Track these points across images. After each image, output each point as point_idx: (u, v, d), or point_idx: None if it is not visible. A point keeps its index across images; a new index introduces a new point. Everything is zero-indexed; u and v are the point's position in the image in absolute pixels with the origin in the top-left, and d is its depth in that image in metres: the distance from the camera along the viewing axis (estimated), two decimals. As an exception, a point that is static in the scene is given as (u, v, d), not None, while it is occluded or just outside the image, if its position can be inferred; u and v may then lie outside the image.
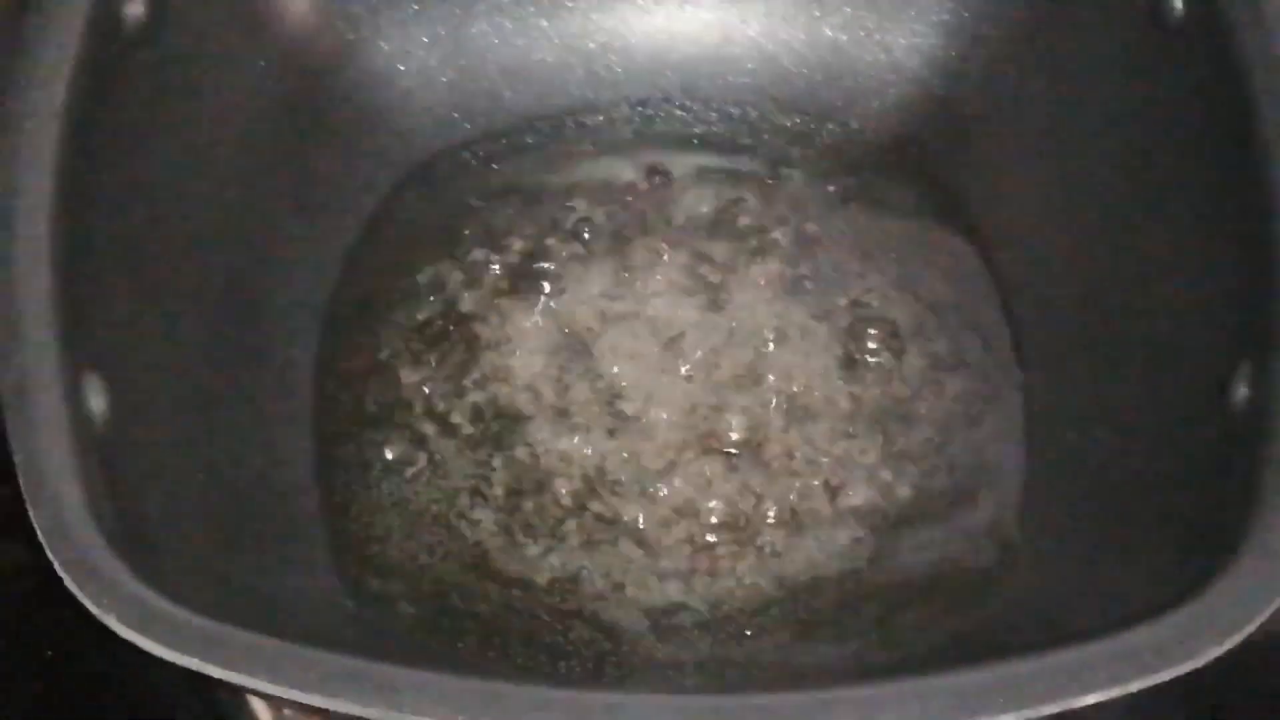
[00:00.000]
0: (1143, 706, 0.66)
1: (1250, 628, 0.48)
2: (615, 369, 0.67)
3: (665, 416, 0.66)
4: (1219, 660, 0.48)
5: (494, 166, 0.73)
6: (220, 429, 0.62)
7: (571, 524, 0.64)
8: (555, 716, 0.46)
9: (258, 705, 0.65)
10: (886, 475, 0.65)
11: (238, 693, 0.67)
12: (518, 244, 0.71)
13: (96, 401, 0.54)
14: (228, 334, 0.64)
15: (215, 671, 0.47)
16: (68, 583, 0.48)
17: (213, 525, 0.59)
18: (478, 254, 0.70)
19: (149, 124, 0.61)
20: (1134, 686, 0.47)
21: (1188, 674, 0.48)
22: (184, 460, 0.59)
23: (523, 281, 0.70)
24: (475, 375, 0.67)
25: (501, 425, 0.66)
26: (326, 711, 0.48)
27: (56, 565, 0.49)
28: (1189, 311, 0.59)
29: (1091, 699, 0.47)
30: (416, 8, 0.73)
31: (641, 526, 0.64)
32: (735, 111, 0.74)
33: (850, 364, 0.68)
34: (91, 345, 0.54)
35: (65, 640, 0.67)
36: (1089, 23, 0.67)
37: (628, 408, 0.66)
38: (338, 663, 0.47)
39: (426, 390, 0.67)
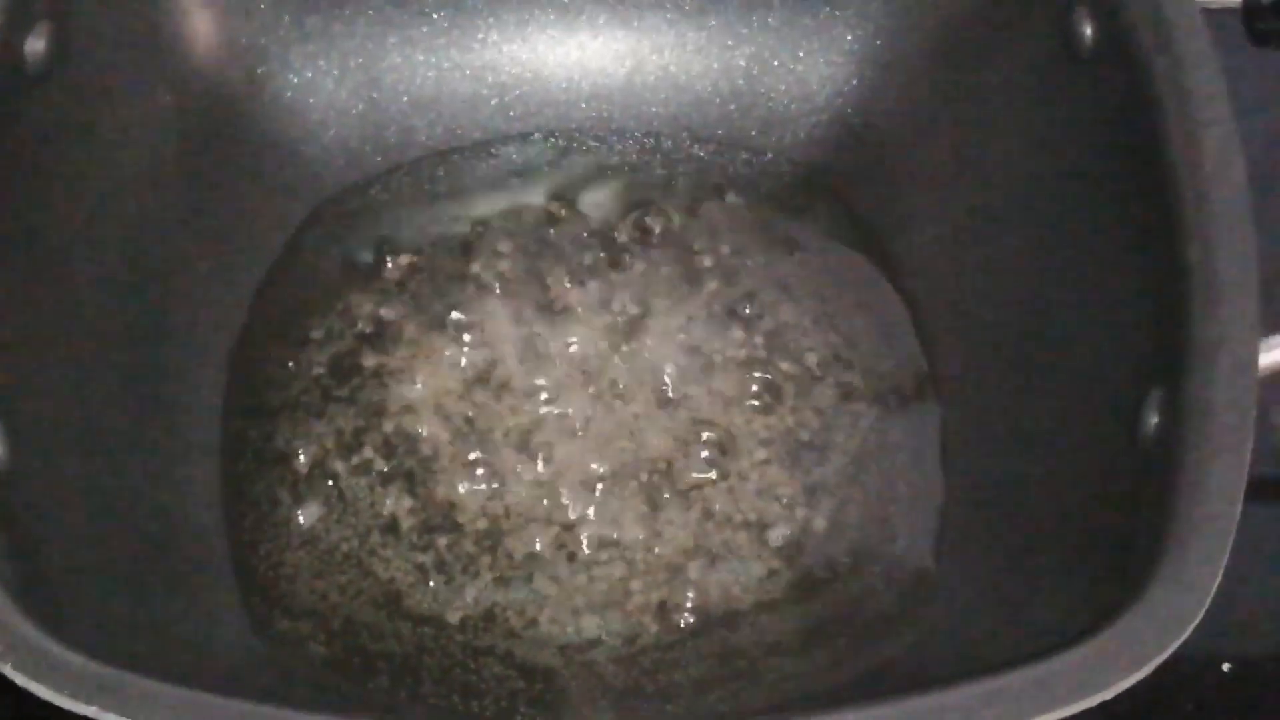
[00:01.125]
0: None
1: (1161, 657, 0.48)
2: (528, 403, 0.67)
3: (580, 450, 0.66)
4: (1140, 688, 0.48)
5: (406, 199, 0.72)
6: (125, 470, 0.61)
7: (485, 560, 0.63)
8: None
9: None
10: (802, 507, 0.65)
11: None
12: (430, 279, 0.70)
13: (-5, 445, 0.53)
14: (133, 374, 0.63)
15: (114, 720, 0.46)
16: (-39, 630, 0.47)
17: (118, 568, 0.58)
18: (389, 288, 0.70)
19: (52, 161, 0.60)
20: (1050, 717, 0.47)
21: (1111, 700, 0.48)
22: (87, 503, 0.58)
23: (435, 317, 0.69)
24: (386, 412, 0.66)
25: (413, 462, 0.65)
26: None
27: (-50, 612, 0.48)
28: (1100, 339, 0.59)
29: (1003, 731, 0.47)
30: (326, 41, 0.72)
31: (555, 562, 0.63)
32: (649, 142, 0.74)
33: (765, 395, 0.67)
34: (-11, 387, 0.54)
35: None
36: (1000, 52, 0.67)
37: (542, 442, 0.66)
38: (242, 709, 0.46)
39: (337, 427, 0.66)
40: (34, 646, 0.47)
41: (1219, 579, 0.49)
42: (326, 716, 0.47)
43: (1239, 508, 0.50)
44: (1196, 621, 0.48)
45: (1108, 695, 0.47)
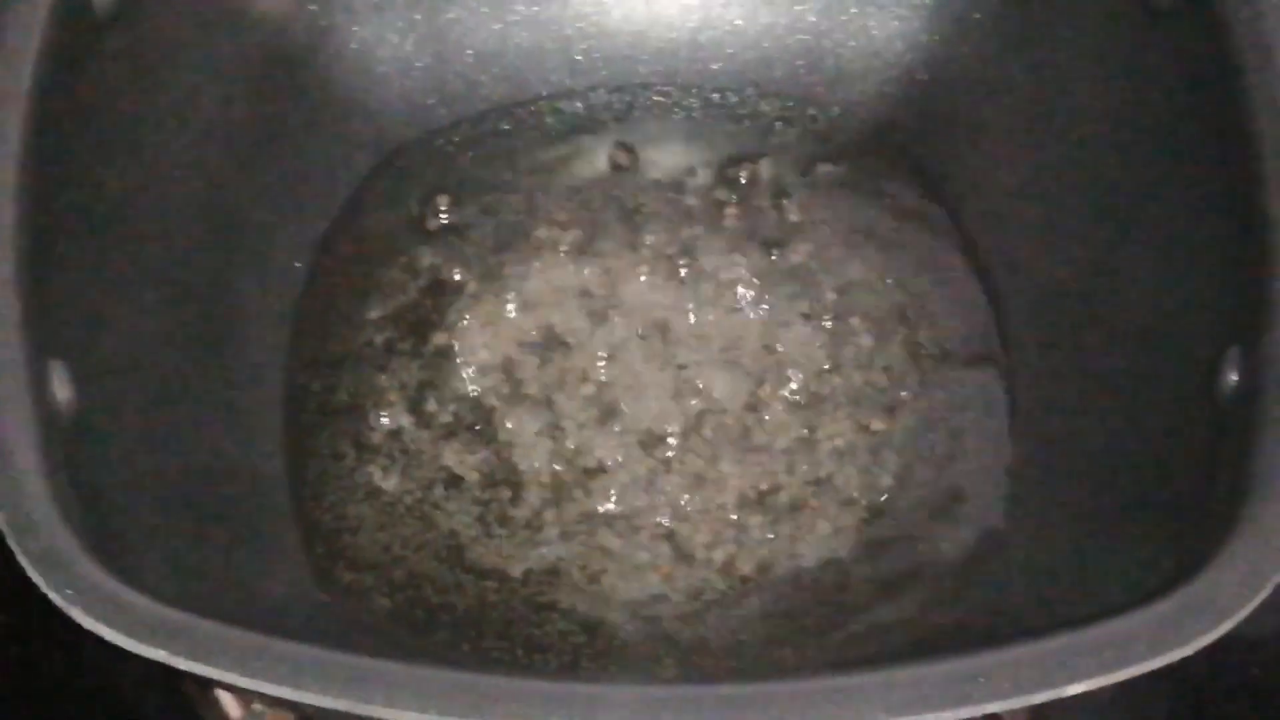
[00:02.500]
0: (1127, 697, 0.66)
1: (1243, 613, 0.47)
2: (592, 358, 0.66)
3: (647, 406, 0.66)
4: (1202, 654, 0.48)
5: (470, 154, 0.72)
6: (190, 419, 0.61)
7: (549, 515, 0.63)
8: (529, 709, 0.45)
9: (225, 699, 0.64)
10: (870, 465, 0.64)
11: (205, 686, 0.66)
12: (493, 233, 0.70)
13: (62, 390, 0.52)
14: (197, 323, 0.63)
15: (182, 664, 0.46)
16: (31, 574, 0.47)
17: (182, 516, 0.58)
18: (453, 241, 0.69)
19: (118, 110, 0.60)
20: (1124, 674, 0.46)
21: (1171, 666, 0.47)
22: (152, 450, 0.58)
23: (499, 270, 0.69)
24: (449, 365, 0.66)
25: (476, 415, 0.65)
26: (298, 704, 0.47)
27: (19, 556, 0.47)
28: (1176, 297, 0.59)
29: (1079, 688, 0.46)
30: (391, -10, 0.72)
31: (621, 517, 0.63)
32: (715, 97, 0.73)
33: (833, 352, 0.67)
34: (57, 334, 0.53)
35: (27, 634, 0.66)
36: (1074, 5, 0.66)
37: (606, 398, 0.66)
38: (308, 654, 0.46)
39: (400, 380, 0.66)
40: (102, 590, 0.47)
41: (1299, 536, 0.48)
42: (391, 663, 0.46)
43: (1320, 465, 0.50)
44: (1276, 580, 0.48)
45: (1187, 652, 0.47)
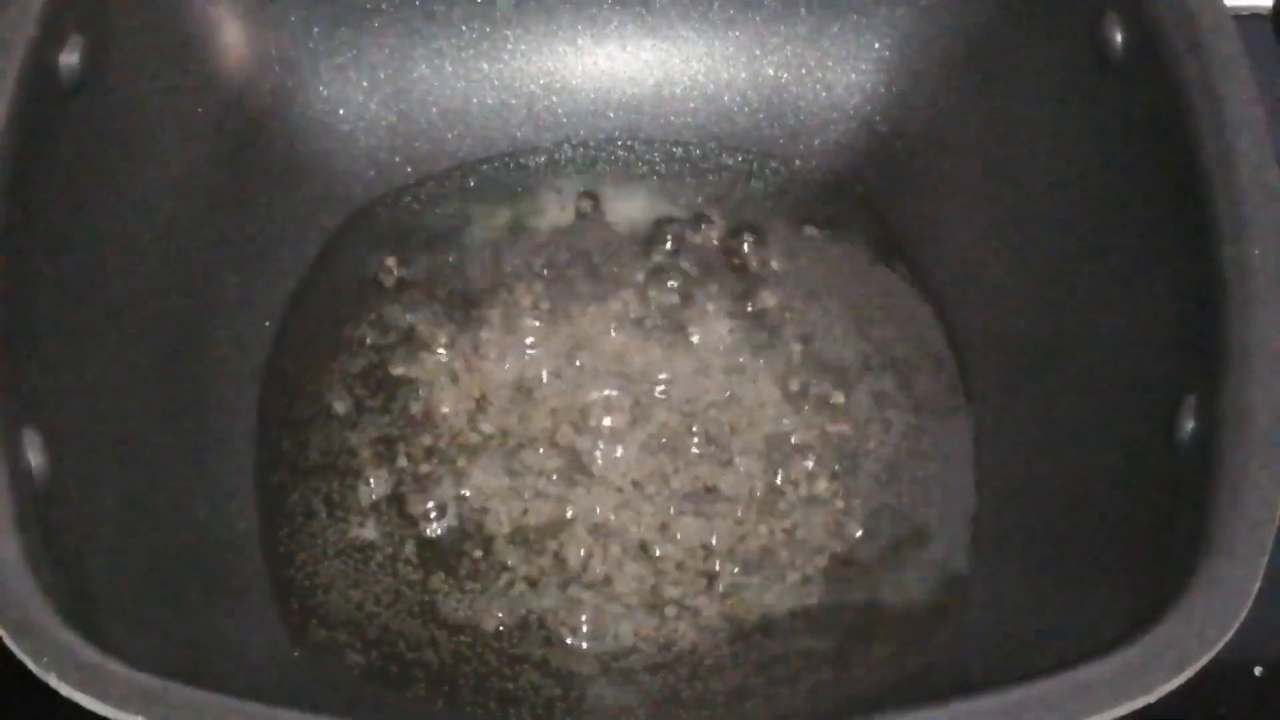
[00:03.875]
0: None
1: (1203, 660, 0.48)
2: (561, 412, 0.67)
3: (612, 459, 0.66)
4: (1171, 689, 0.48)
5: (436, 210, 0.73)
6: (162, 481, 0.61)
7: (520, 569, 0.63)
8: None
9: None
10: (836, 513, 0.65)
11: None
12: (461, 288, 0.70)
13: (35, 457, 0.53)
14: (168, 385, 0.63)
15: (159, 729, 0.46)
16: (6, 640, 0.47)
17: (155, 578, 0.58)
18: (420, 299, 0.70)
19: (86, 174, 0.61)
20: (1089, 723, 0.47)
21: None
22: (125, 514, 0.58)
23: (467, 326, 0.69)
24: (418, 422, 0.67)
25: (446, 470, 0.66)
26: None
27: (-5, 624, 0.48)
28: (1134, 345, 0.59)
29: (1044, 737, 0.47)
30: (355, 53, 0.72)
31: (591, 570, 0.63)
32: (678, 151, 0.74)
33: (799, 403, 0.67)
34: (29, 400, 0.54)
35: (3, 700, 0.66)
36: (1030, 59, 0.67)
37: (575, 451, 0.66)
38: (284, 718, 0.46)
39: (370, 437, 0.66)
40: (78, 658, 0.47)
41: (1258, 582, 0.49)
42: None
43: (1278, 511, 0.50)
44: (1237, 624, 0.48)
45: (1150, 699, 0.47)
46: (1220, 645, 0.48)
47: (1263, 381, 0.52)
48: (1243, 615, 0.49)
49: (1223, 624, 0.48)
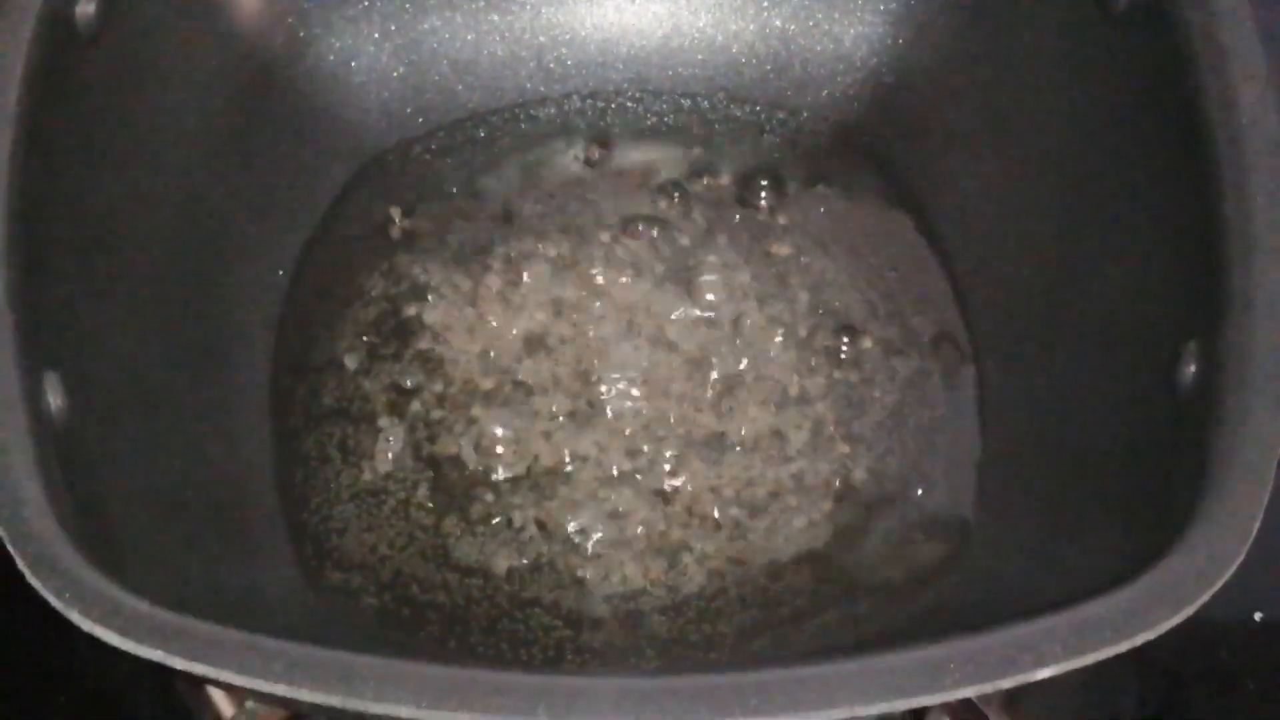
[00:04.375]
0: (1099, 682, 0.67)
1: (1202, 599, 0.49)
2: (573, 358, 0.68)
3: (622, 404, 0.67)
4: (1170, 638, 0.49)
5: (447, 160, 0.74)
6: (178, 425, 0.62)
7: (531, 513, 0.64)
8: (515, 702, 0.46)
9: (218, 697, 0.66)
10: (843, 459, 0.66)
11: (198, 685, 0.67)
12: (472, 237, 0.71)
13: (55, 399, 0.54)
14: (184, 331, 0.64)
15: (178, 663, 0.47)
16: (29, 577, 0.48)
17: (173, 520, 0.59)
18: (432, 246, 0.71)
19: (103, 123, 0.61)
20: (1090, 659, 0.47)
21: (1140, 651, 0.48)
22: (143, 457, 0.59)
23: (478, 272, 0.70)
24: (432, 368, 0.68)
25: (458, 416, 0.66)
26: (290, 701, 0.48)
27: (18, 560, 0.48)
28: (1136, 292, 0.60)
29: (1047, 672, 0.47)
30: (367, 4, 0.73)
31: (600, 513, 0.64)
32: (686, 103, 0.75)
33: (806, 351, 0.68)
34: (49, 344, 0.55)
35: (20, 635, 0.67)
36: (1035, 10, 0.67)
37: (587, 396, 0.67)
38: (300, 652, 0.47)
39: (383, 384, 0.67)
40: (99, 593, 0.48)
41: (1258, 522, 0.50)
42: (380, 658, 0.47)
43: (1277, 453, 0.51)
44: (1237, 563, 0.49)
45: (1150, 636, 0.48)
46: (1221, 582, 0.49)
47: (1262, 325, 0.53)
48: (1242, 553, 0.49)
49: (1223, 562, 0.49)
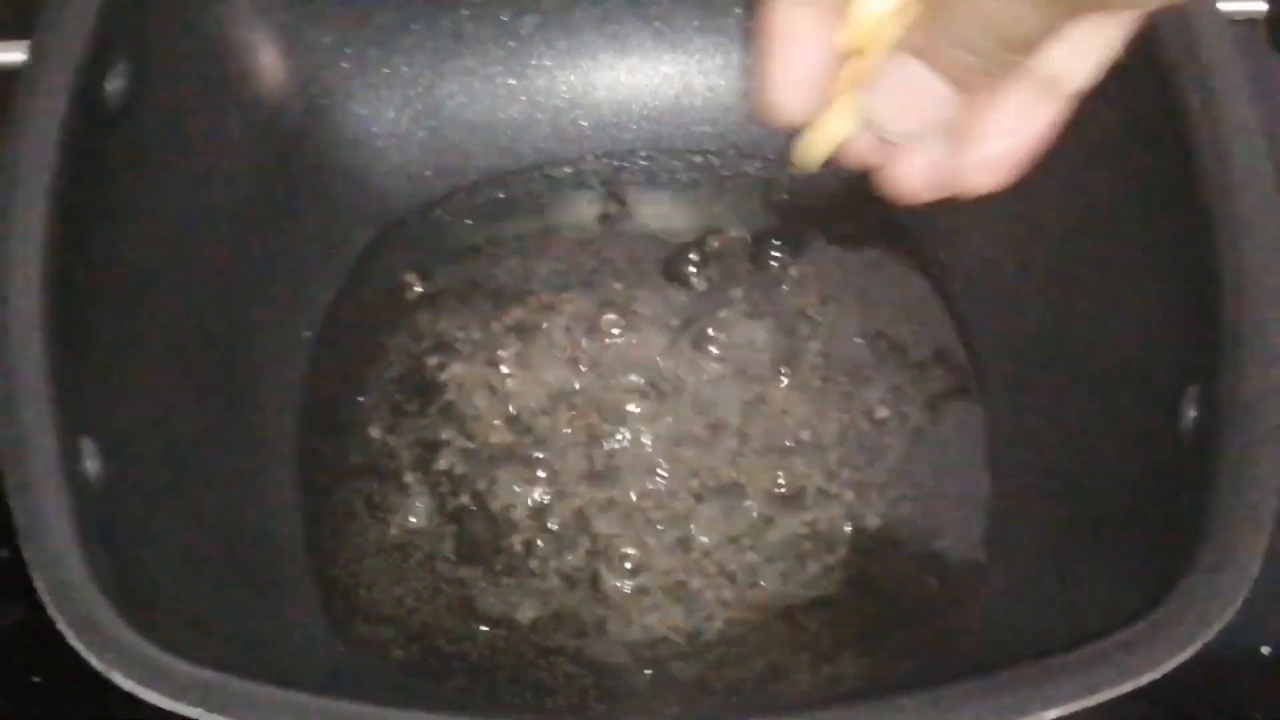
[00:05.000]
0: (1107, 716, 0.68)
1: (1205, 638, 0.50)
2: (592, 415, 0.69)
3: (640, 457, 0.68)
4: (1179, 671, 0.50)
5: (467, 221, 0.75)
6: (209, 485, 0.63)
7: (553, 564, 0.66)
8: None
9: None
10: (855, 505, 0.67)
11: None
12: (493, 296, 0.73)
13: (92, 464, 0.55)
14: (214, 395, 0.66)
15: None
16: (71, 640, 0.50)
17: (206, 579, 0.60)
18: (452, 305, 0.72)
19: (133, 193, 0.63)
20: (1098, 698, 0.49)
21: (1150, 684, 0.50)
22: (175, 518, 0.61)
23: (499, 333, 0.72)
24: (455, 427, 0.69)
25: (482, 472, 0.68)
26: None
27: (60, 623, 0.50)
28: (1138, 339, 0.62)
29: (1055, 713, 0.49)
30: (387, 71, 0.75)
31: (620, 564, 0.66)
32: (698, 160, 0.77)
33: (818, 400, 0.70)
34: (85, 410, 0.56)
35: (63, 702, 0.69)
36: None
37: (605, 451, 0.69)
38: (336, 707, 0.49)
39: (407, 441, 0.69)
40: (138, 653, 0.49)
41: (1259, 564, 0.51)
42: (414, 712, 0.49)
43: (1276, 496, 0.52)
44: (1239, 602, 0.50)
45: (1155, 675, 0.49)
46: (1222, 622, 0.50)
47: (1260, 371, 0.54)
48: (1244, 593, 0.50)
49: (1226, 602, 0.50)
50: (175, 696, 0.49)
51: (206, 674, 0.49)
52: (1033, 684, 0.49)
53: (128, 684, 0.49)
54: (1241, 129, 0.58)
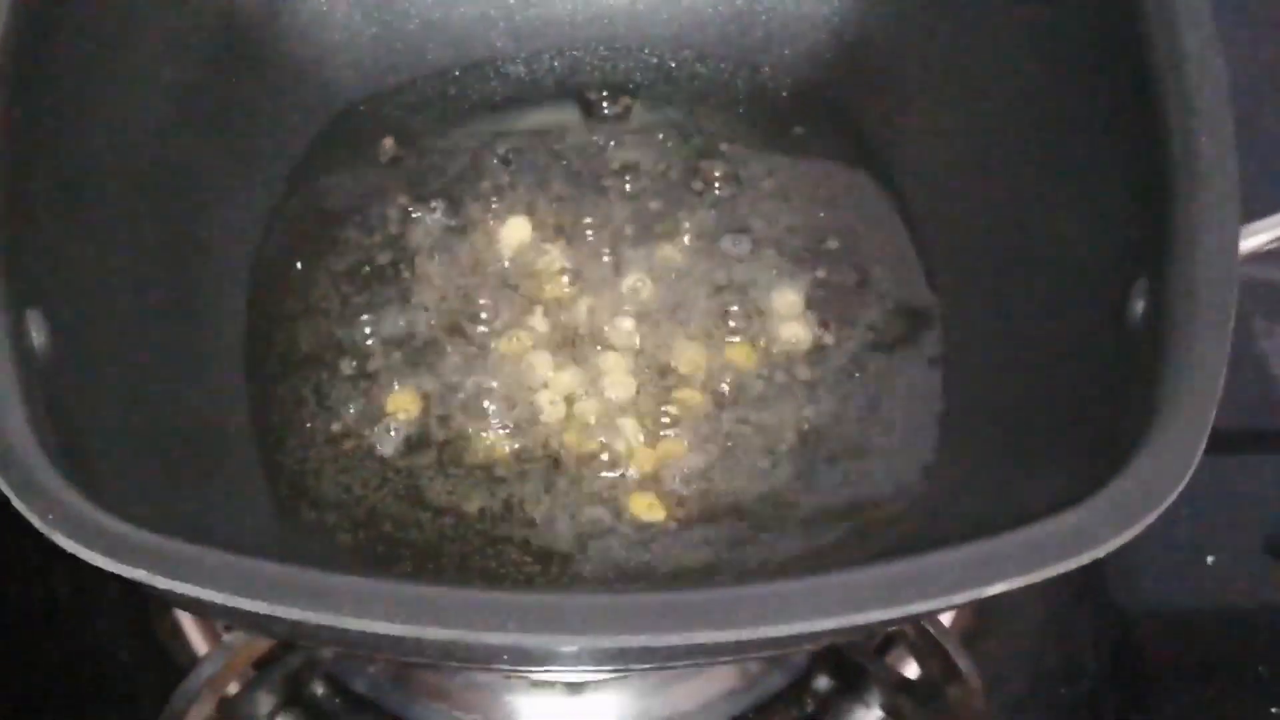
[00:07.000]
0: (1055, 620, 0.69)
1: (1149, 519, 0.50)
2: (539, 306, 0.69)
3: (589, 350, 0.68)
4: (1125, 578, 0.50)
5: (418, 116, 0.75)
6: (157, 367, 0.63)
7: (502, 455, 0.66)
8: (494, 618, 0.47)
9: (194, 637, 0.67)
10: (805, 403, 0.67)
11: (177, 632, 0.68)
12: (445, 189, 0.73)
13: (38, 336, 0.55)
14: (162, 276, 0.66)
15: (161, 582, 0.48)
16: (14, 502, 0.49)
17: (151, 457, 0.60)
18: (403, 199, 0.72)
19: (83, 72, 0.63)
20: (1043, 575, 0.49)
21: (1097, 591, 0.50)
22: (123, 396, 0.60)
23: (450, 223, 0.72)
24: (405, 316, 0.69)
25: (431, 362, 0.68)
26: (269, 625, 0.49)
27: (3, 485, 0.50)
28: (1088, 236, 0.62)
29: (1001, 587, 0.49)
30: (341, -37, 0.75)
31: (569, 455, 0.66)
32: (652, 60, 0.77)
33: (769, 299, 0.70)
34: (32, 283, 0.56)
35: (5, 588, 0.69)
36: (990, -34, 0.69)
37: (556, 341, 0.69)
38: (280, 570, 0.49)
39: (356, 333, 0.69)
40: (82, 515, 0.49)
41: (1203, 446, 0.51)
42: (364, 578, 0.49)
43: (1221, 383, 0.52)
44: (1182, 484, 0.50)
45: (1099, 553, 0.49)
46: (1163, 507, 0.50)
47: (1207, 263, 0.54)
48: (1188, 475, 0.50)
49: (1170, 483, 0.50)
50: (119, 558, 0.48)
51: (152, 537, 0.49)
52: (977, 561, 0.49)
53: (70, 544, 0.48)
54: (1195, 24, 0.58)
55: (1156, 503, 0.50)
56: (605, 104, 0.75)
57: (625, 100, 0.76)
